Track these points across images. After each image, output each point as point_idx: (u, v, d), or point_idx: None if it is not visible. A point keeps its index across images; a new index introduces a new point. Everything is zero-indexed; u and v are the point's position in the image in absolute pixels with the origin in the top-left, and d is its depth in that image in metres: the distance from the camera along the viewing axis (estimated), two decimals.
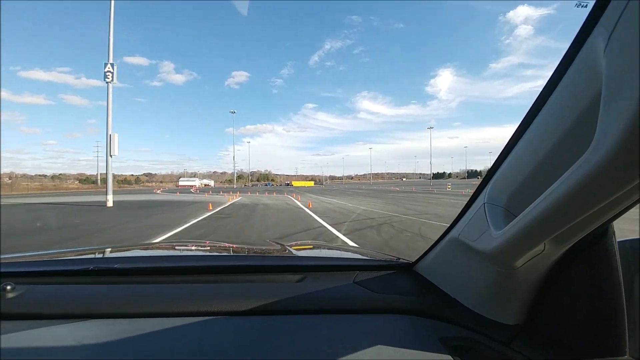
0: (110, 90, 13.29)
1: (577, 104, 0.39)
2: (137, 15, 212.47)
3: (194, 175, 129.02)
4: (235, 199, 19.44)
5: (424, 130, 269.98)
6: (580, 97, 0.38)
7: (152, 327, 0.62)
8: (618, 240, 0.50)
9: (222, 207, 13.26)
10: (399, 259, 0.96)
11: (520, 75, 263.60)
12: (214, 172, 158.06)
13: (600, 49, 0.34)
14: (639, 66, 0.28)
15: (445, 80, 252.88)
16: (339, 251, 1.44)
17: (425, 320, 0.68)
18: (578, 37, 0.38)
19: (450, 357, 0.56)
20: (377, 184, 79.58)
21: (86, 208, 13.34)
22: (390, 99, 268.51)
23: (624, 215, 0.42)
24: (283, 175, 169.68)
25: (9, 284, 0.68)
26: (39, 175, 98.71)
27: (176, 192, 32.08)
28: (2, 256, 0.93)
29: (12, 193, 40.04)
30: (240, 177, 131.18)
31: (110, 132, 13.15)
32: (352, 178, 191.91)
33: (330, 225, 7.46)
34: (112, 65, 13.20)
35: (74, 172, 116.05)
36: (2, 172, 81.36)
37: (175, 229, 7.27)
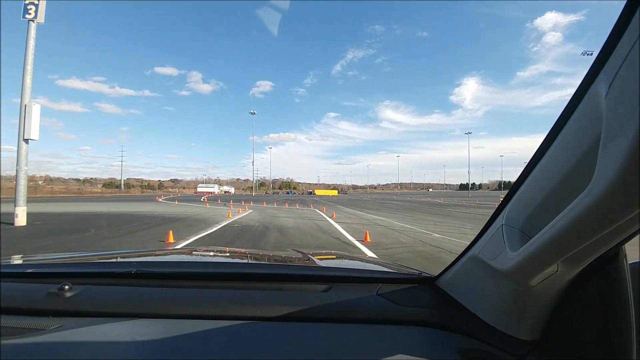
0: (33, 31, 8.31)
1: (584, 141, 0.42)
2: (168, 28, 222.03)
3: (217, 181, 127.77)
4: (242, 213, 13.71)
5: (448, 139, 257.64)
6: (586, 135, 0.42)
7: (194, 328, 0.66)
8: (630, 262, 0.52)
9: (201, 234, 7.61)
10: (421, 272, 0.96)
11: (550, 84, 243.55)
12: (237, 179, 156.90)
13: (603, 94, 0.37)
14: (635, 113, 0.31)
15: (470, 89, 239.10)
16: (361, 262, 1.45)
17: (445, 333, 0.70)
18: (585, 81, 0.42)
19: None
20: (404, 194, 72.43)
21: None
22: (413, 108, 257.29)
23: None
24: (305, 183, 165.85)
25: (67, 284, 0.74)
26: (73, 179, 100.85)
27: (174, 201, 26.49)
28: (57, 256, 1.17)
29: (34, 196, 37.65)
30: (262, 184, 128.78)
31: (27, 101, 7.94)
32: (375, 188, 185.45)
33: None
34: None
35: (105, 176, 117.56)
36: (38, 175, 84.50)
37: None
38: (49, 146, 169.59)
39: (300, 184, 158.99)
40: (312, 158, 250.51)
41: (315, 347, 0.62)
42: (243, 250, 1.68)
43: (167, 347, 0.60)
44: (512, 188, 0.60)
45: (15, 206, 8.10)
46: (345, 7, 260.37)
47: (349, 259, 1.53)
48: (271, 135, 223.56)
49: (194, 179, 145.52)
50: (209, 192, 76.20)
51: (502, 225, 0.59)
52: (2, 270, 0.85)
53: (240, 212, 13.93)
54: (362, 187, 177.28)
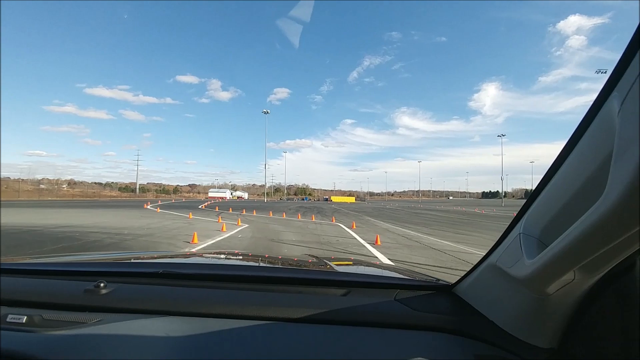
0: None
1: (599, 153, 0.43)
2: (192, 40, 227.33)
3: (232, 187, 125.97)
4: (226, 232, 9.34)
5: (467, 146, 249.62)
6: (600, 148, 0.43)
7: (222, 326, 0.69)
8: None
9: None
10: (438, 280, 0.98)
11: (574, 89, 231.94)
12: (252, 185, 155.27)
13: (615, 110, 0.39)
14: None
15: (490, 95, 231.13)
16: (378, 269, 1.51)
17: (463, 339, 0.70)
18: (599, 97, 0.44)
19: None
20: (425, 202, 67.27)
21: None
22: (430, 114, 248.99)
23: None
24: (320, 190, 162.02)
25: (102, 282, 0.79)
26: (95, 183, 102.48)
27: (157, 209, 22.96)
28: (89, 255, 1.27)
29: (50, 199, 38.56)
30: (277, 190, 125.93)
31: None
32: (392, 195, 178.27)
33: None
34: None
35: (127, 181, 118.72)
36: (62, 179, 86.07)
37: None
38: (76, 152, 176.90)
39: (315, 191, 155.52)
40: (327, 164, 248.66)
41: (336, 348, 0.65)
42: (262, 255, 1.82)
43: (199, 343, 0.64)
44: (529, 198, 0.61)
45: None
46: (363, 15, 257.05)
47: (366, 265, 1.56)
48: (287, 141, 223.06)
49: (210, 184, 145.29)
50: (219, 198, 73.59)
51: (520, 233, 0.60)
52: (41, 268, 0.95)
53: (224, 229, 9.38)
54: (378, 194, 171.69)
